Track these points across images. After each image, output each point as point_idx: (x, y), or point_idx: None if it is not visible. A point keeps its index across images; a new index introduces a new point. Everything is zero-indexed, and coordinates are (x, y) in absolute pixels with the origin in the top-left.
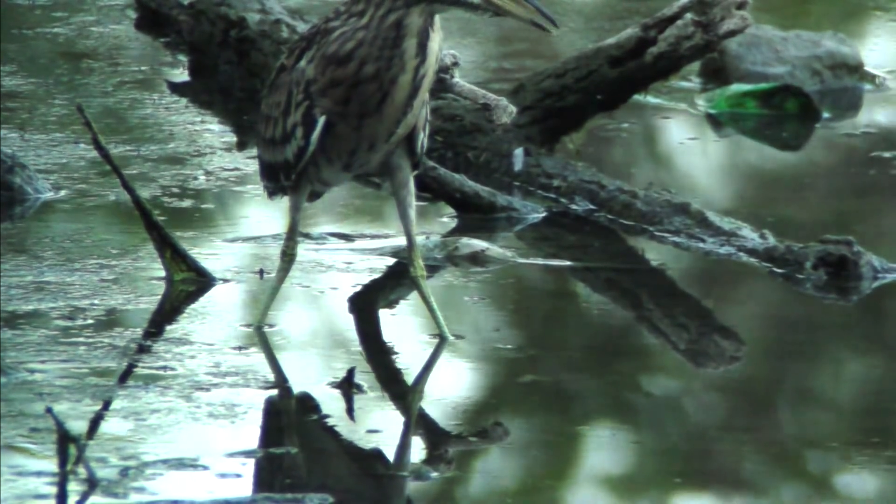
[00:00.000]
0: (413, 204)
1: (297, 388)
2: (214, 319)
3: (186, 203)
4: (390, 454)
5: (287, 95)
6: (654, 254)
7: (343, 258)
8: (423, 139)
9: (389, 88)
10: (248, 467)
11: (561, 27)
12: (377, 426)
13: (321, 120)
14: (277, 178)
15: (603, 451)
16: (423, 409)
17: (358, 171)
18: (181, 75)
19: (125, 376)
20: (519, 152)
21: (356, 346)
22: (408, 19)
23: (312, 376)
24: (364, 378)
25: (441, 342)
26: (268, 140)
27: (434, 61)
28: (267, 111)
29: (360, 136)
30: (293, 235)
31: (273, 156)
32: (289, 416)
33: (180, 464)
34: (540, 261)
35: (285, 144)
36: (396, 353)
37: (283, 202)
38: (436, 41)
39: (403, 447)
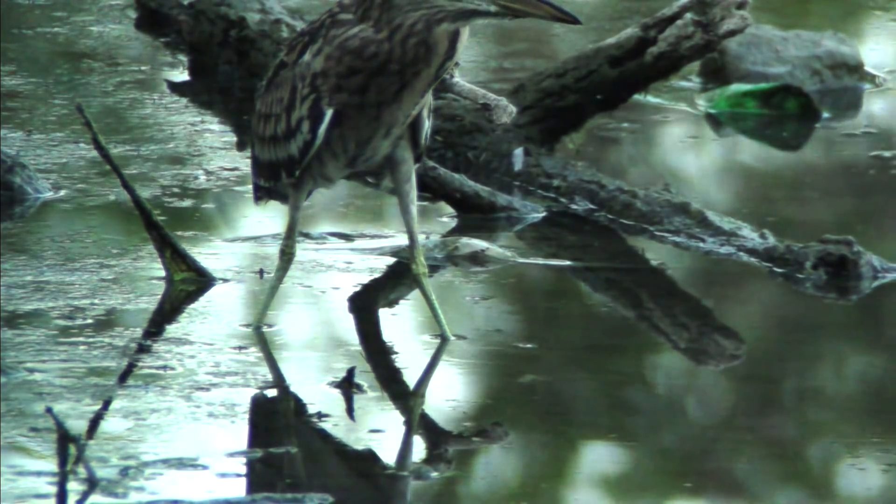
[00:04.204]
0: (415, 200)
1: (297, 388)
2: (214, 319)
3: (186, 203)
4: (390, 454)
5: (290, 91)
6: (654, 254)
7: (343, 258)
8: (427, 128)
9: (411, 79)
10: (248, 467)
11: (561, 27)
12: (377, 426)
13: (329, 113)
14: (279, 176)
15: (603, 450)
16: (423, 409)
17: (363, 166)
18: (181, 75)
19: (125, 376)
20: (519, 152)
21: (356, 346)
22: (432, 39)
23: (312, 376)
24: (364, 378)
25: (442, 342)
26: (267, 138)
27: (460, 51)
28: (266, 109)
29: (380, 124)
30: (292, 234)
31: (274, 153)
32: (289, 416)
33: (180, 464)
34: (540, 261)
35: (289, 140)
36: (396, 353)
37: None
38: (465, 34)
39: (403, 447)
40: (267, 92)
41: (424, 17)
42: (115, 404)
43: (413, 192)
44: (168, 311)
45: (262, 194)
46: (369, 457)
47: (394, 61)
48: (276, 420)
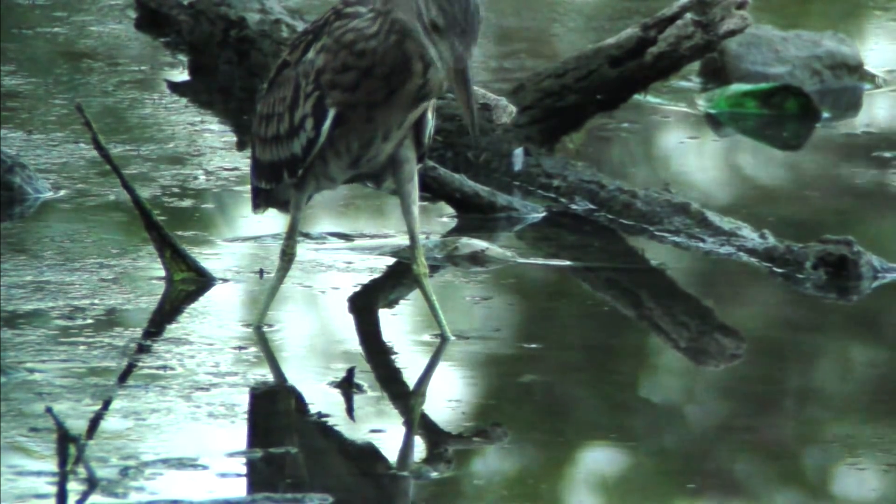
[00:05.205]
0: (417, 200)
1: (297, 388)
2: (214, 319)
3: (186, 203)
4: (390, 454)
5: (294, 89)
6: (654, 254)
7: (343, 258)
8: (430, 129)
9: (397, 87)
10: (248, 467)
11: (561, 27)
12: (377, 426)
13: (332, 111)
14: (280, 177)
15: (603, 451)
16: (422, 409)
17: (366, 166)
18: (181, 75)
19: (125, 376)
20: (519, 152)
21: (356, 346)
22: (406, 45)
23: (312, 376)
24: (364, 378)
25: (442, 342)
26: (269, 138)
27: (439, 84)
28: (268, 109)
29: (374, 126)
30: (293, 235)
31: (276, 153)
32: (289, 416)
33: (180, 464)
34: (540, 261)
35: (292, 139)
36: (396, 353)
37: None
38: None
39: (403, 447)
40: (269, 92)
41: (401, 24)
42: (115, 404)
43: (415, 193)
44: (168, 311)
45: (260, 202)
46: (369, 457)
47: (377, 64)
48: (276, 420)
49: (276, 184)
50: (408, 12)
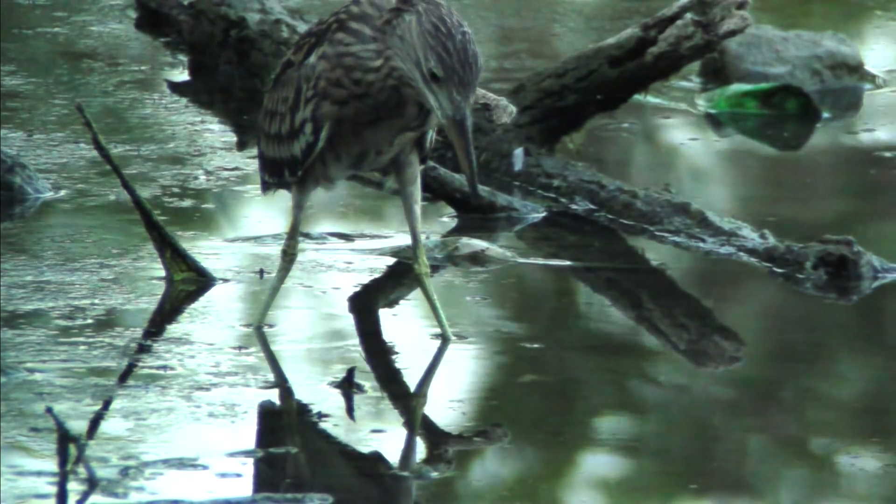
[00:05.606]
0: (419, 201)
1: (297, 388)
2: (214, 319)
3: (186, 203)
4: (390, 454)
5: (295, 92)
6: (654, 254)
7: (343, 258)
8: (431, 134)
9: (385, 119)
10: (248, 467)
11: (561, 27)
12: (378, 426)
13: (326, 126)
14: (282, 174)
15: (603, 451)
16: (423, 410)
17: (367, 168)
18: (181, 75)
19: (125, 376)
20: (519, 152)
21: (356, 346)
22: (403, 91)
23: (312, 376)
24: (364, 378)
25: (443, 342)
26: (272, 136)
27: (434, 125)
28: (272, 106)
29: (365, 142)
30: (295, 235)
31: (278, 151)
32: (289, 416)
33: (180, 464)
34: (540, 261)
35: (293, 140)
36: (397, 353)
37: (281, 201)
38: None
39: (404, 447)
40: (274, 89)
41: (400, 73)
42: (115, 404)
43: (417, 194)
44: (168, 311)
45: (269, 185)
46: (369, 457)
47: (371, 95)
48: (277, 420)
49: (279, 179)
50: (406, 61)
